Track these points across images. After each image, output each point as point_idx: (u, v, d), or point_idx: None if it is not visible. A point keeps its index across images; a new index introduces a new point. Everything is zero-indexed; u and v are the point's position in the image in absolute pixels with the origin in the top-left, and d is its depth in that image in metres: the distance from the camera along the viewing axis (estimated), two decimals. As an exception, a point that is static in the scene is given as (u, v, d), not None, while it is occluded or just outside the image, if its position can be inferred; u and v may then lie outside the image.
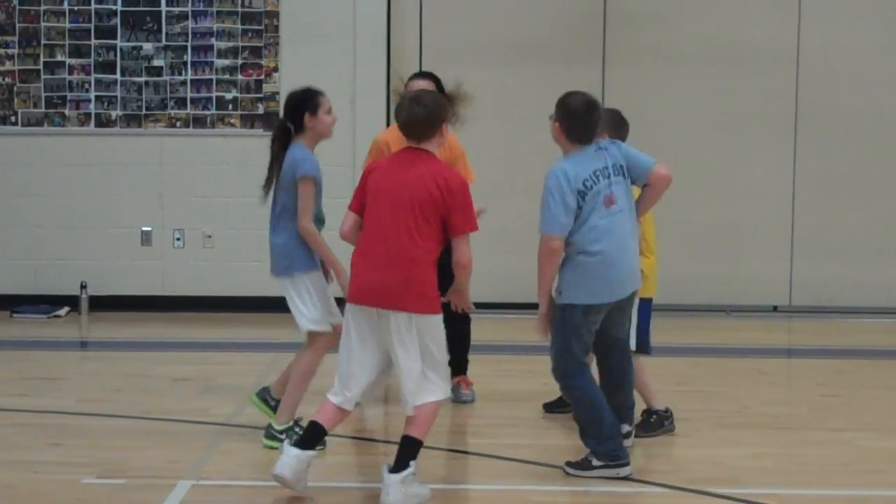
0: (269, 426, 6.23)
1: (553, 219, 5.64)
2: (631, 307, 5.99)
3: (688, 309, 10.52)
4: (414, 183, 5.37)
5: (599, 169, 5.70)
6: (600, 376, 6.05)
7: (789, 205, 10.63)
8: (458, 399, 7.20)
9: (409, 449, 5.39)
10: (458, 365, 7.25)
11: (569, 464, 5.79)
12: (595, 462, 5.72)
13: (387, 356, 5.45)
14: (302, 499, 5.46)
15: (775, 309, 10.72)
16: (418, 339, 5.37)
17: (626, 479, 5.69)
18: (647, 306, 6.48)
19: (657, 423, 6.51)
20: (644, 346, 6.46)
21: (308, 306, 6.14)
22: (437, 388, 5.44)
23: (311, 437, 5.51)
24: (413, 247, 5.34)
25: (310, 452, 5.46)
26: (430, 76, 7.18)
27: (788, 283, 10.69)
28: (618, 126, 6.40)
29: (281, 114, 6.43)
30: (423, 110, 5.44)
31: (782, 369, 8.89)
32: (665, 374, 7.98)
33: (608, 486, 5.67)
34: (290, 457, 5.41)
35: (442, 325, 5.48)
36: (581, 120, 5.74)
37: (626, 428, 6.00)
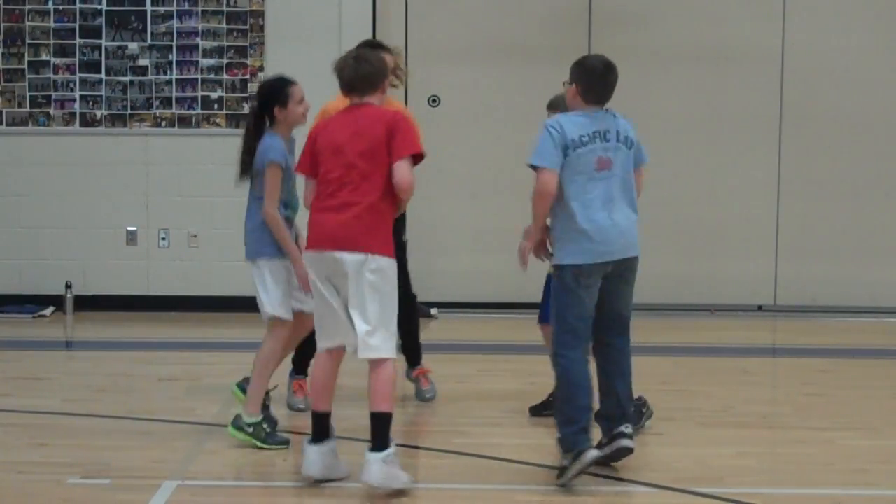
0: (238, 416, 6.24)
1: (545, 151, 5.60)
2: (634, 278, 5.85)
3: (672, 308, 10.54)
4: (363, 133, 5.52)
5: (600, 131, 5.70)
6: (598, 362, 5.92)
7: (774, 204, 10.66)
8: (420, 397, 7.19)
9: (381, 425, 5.46)
10: (413, 354, 7.22)
11: (557, 475, 5.67)
12: (564, 462, 5.62)
13: (346, 302, 5.53)
14: (286, 499, 5.46)
15: (760, 308, 10.75)
16: (371, 280, 5.44)
17: (602, 472, 5.62)
18: None
19: (636, 414, 6.48)
20: None
21: (269, 292, 6.18)
22: (386, 343, 5.48)
23: (319, 426, 5.60)
24: (369, 194, 5.47)
25: (329, 442, 5.58)
26: (377, 45, 7.16)
27: (773, 282, 10.72)
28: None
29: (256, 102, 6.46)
30: (367, 66, 5.63)
31: (766, 369, 8.91)
32: (649, 374, 7.99)
33: (593, 486, 5.67)
34: (312, 455, 5.54)
35: (395, 273, 5.54)
36: (599, 79, 5.78)
37: (630, 427, 5.86)
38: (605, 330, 5.85)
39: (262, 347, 6.27)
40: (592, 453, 5.57)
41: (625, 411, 5.86)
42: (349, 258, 5.46)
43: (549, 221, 5.78)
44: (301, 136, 6.18)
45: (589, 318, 5.73)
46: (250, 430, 6.18)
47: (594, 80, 5.78)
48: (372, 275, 5.46)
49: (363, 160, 5.49)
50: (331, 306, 5.58)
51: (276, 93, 6.26)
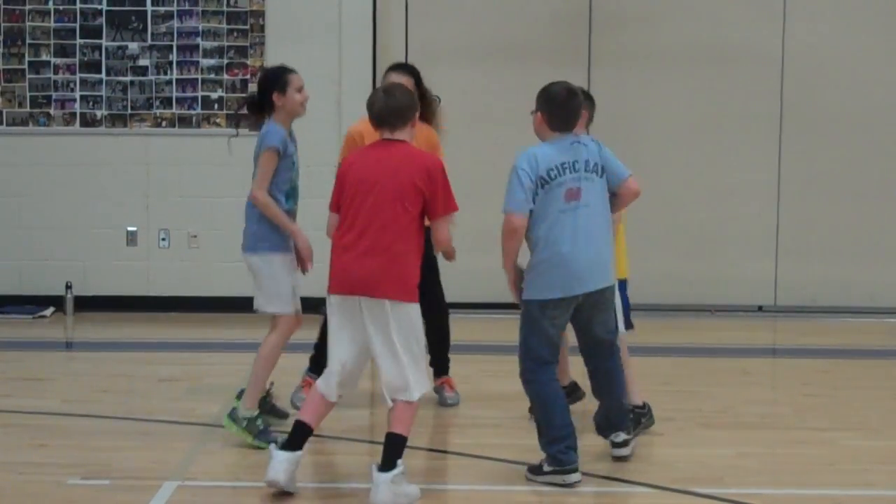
0: (235, 409, 6.24)
1: (513, 197, 5.69)
2: (610, 304, 5.89)
3: (673, 309, 10.54)
4: (394, 174, 5.43)
5: (569, 162, 5.70)
6: (591, 380, 6.05)
7: (774, 205, 10.66)
8: (442, 402, 7.21)
9: (394, 446, 5.40)
10: (440, 365, 7.26)
11: (528, 468, 5.76)
12: (545, 468, 5.67)
13: (366, 347, 5.49)
14: (287, 499, 5.46)
15: (760, 309, 10.75)
16: (396, 327, 5.39)
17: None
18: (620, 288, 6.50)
19: (634, 421, 6.47)
20: (626, 322, 6.52)
21: (269, 286, 6.18)
22: (416, 382, 5.44)
23: (299, 437, 5.53)
24: (396, 239, 5.40)
25: (298, 453, 5.49)
26: (408, 70, 7.16)
27: (773, 283, 10.72)
28: (588, 101, 6.48)
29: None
30: (396, 101, 5.55)
31: (767, 369, 8.92)
32: (650, 374, 8.00)
33: (593, 486, 5.68)
34: (280, 461, 5.44)
35: (420, 317, 5.50)
36: (562, 106, 5.79)
37: (621, 436, 5.95)
38: (590, 356, 5.95)
39: (265, 342, 6.27)
40: (575, 478, 5.64)
41: (612, 424, 5.97)
42: (375, 304, 5.41)
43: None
44: (310, 151, 6.17)
45: (556, 345, 5.82)
46: (244, 423, 6.18)
47: (557, 107, 5.80)
48: (398, 322, 5.40)
49: (394, 203, 5.41)
50: (353, 348, 5.51)
51: (276, 79, 6.28)
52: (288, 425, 6.48)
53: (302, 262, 6.29)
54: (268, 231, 6.22)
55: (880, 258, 10.67)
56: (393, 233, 5.40)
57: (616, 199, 5.88)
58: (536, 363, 5.75)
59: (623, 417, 6.04)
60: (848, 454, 6.29)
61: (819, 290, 10.67)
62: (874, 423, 6.97)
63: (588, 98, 6.56)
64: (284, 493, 5.45)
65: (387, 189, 5.41)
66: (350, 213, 5.49)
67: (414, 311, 5.47)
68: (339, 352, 5.52)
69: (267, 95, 6.26)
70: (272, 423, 6.33)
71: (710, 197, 10.65)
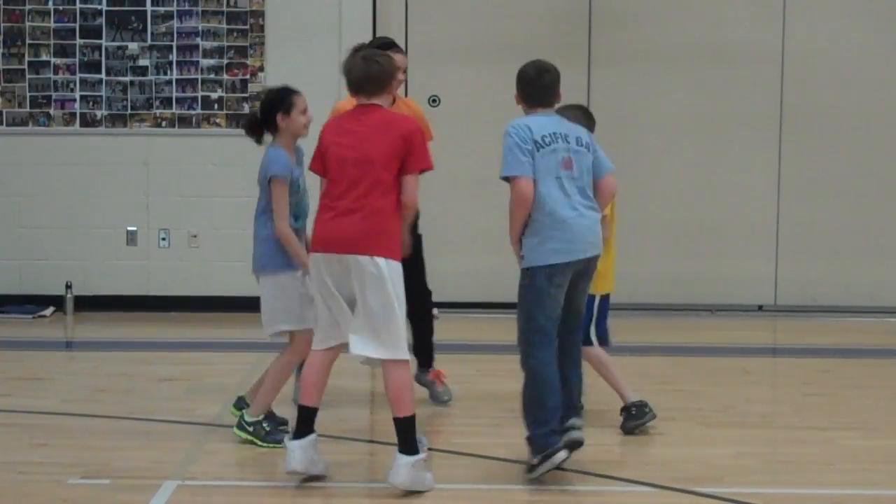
0: (241, 416, 6.30)
1: (516, 161, 5.66)
2: (592, 275, 5.90)
3: (672, 308, 10.54)
4: (373, 135, 5.55)
5: (560, 133, 5.73)
6: (559, 352, 5.92)
7: (774, 204, 10.66)
8: (435, 398, 7.19)
9: (406, 429, 5.51)
10: (425, 354, 7.23)
11: (526, 470, 5.71)
12: (534, 461, 5.63)
13: (348, 304, 5.57)
14: (283, 499, 5.47)
15: (760, 308, 10.74)
16: (394, 284, 5.48)
17: (603, 472, 5.63)
18: (605, 303, 6.56)
19: (638, 414, 6.51)
20: (603, 339, 6.56)
21: (277, 303, 6.18)
22: (396, 345, 5.51)
23: (304, 421, 5.63)
24: (377, 198, 5.51)
25: (310, 437, 5.59)
26: (402, 51, 7.19)
27: (773, 282, 10.71)
28: (587, 119, 6.49)
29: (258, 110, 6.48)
30: (376, 66, 5.64)
31: (767, 368, 8.92)
32: (650, 374, 8.01)
33: (593, 485, 5.68)
34: (294, 450, 5.56)
35: (401, 275, 5.57)
36: (532, 83, 5.84)
37: (577, 422, 5.87)
38: (563, 325, 5.87)
39: (280, 357, 6.28)
40: (562, 455, 5.60)
41: (575, 403, 5.91)
42: (355, 261, 5.49)
43: None
44: (307, 146, 6.19)
45: (557, 318, 5.76)
46: (251, 428, 6.23)
47: (528, 85, 5.87)
48: (378, 277, 5.48)
49: (372, 165, 5.53)
50: (333, 307, 5.60)
51: (281, 100, 6.25)
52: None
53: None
54: (273, 250, 6.22)
55: (880, 258, 10.66)
56: (374, 193, 5.51)
57: (595, 193, 5.85)
58: (540, 336, 5.68)
59: (579, 396, 5.99)
60: (848, 454, 6.29)
61: (819, 289, 10.66)
62: (874, 422, 6.97)
63: (588, 116, 6.53)
64: (286, 492, 5.46)
65: (366, 152, 5.53)
66: (334, 178, 5.61)
67: (398, 269, 5.56)
68: (332, 318, 5.62)
69: (271, 116, 6.25)
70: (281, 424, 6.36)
71: (710, 197, 10.64)
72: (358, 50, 5.83)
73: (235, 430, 6.29)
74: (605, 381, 6.64)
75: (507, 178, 5.70)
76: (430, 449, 6.27)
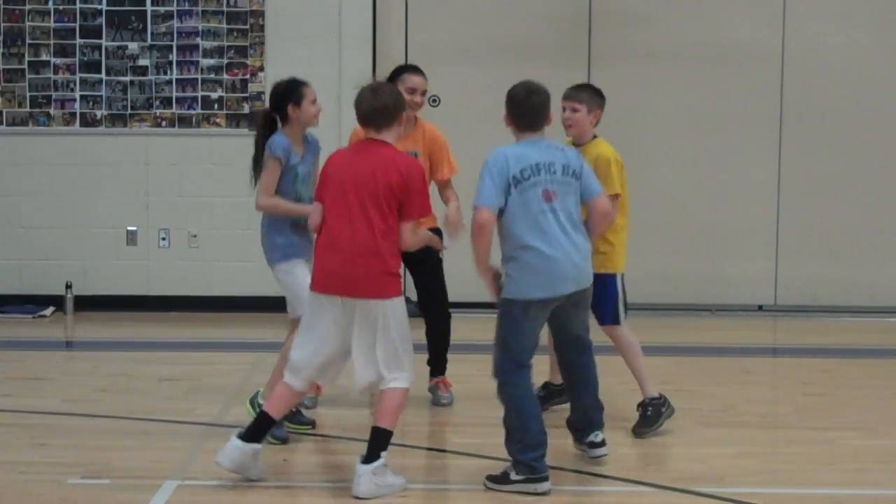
0: (256, 394, 6.39)
1: (485, 192, 5.60)
2: (588, 303, 5.86)
3: (673, 308, 10.54)
4: (375, 173, 5.50)
5: (544, 164, 5.64)
6: (563, 376, 6.03)
7: (774, 204, 10.66)
8: (436, 402, 7.20)
9: (378, 440, 5.50)
10: (437, 365, 7.26)
11: (489, 478, 5.64)
12: (514, 476, 5.56)
13: (347, 344, 5.54)
14: (283, 499, 5.46)
15: (760, 308, 10.75)
16: (382, 324, 5.46)
17: (603, 472, 5.64)
18: (613, 281, 6.48)
19: (654, 415, 6.50)
20: (617, 318, 6.50)
21: (289, 293, 6.29)
22: (401, 375, 5.51)
23: (259, 428, 5.62)
24: (376, 237, 5.47)
25: (255, 446, 5.57)
26: (421, 73, 7.21)
27: (773, 282, 10.71)
28: (598, 97, 6.58)
29: (266, 104, 6.55)
30: (383, 99, 5.59)
31: (767, 368, 8.91)
32: (650, 374, 8.00)
33: (592, 485, 5.68)
34: (231, 447, 5.55)
35: (405, 309, 5.58)
36: (521, 106, 5.74)
37: (599, 435, 5.91)
38: (566, 351, 5.91)
39: (286, 346, 6.29)
40: (546, 486, 5.55)
41: (591, 422, 5.91)
42: (357, 304, 5.49)
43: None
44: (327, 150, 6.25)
45: (534, 347, 5.73)
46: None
47: (517, 107, 5.76)
48: (381, 318, 5.48)
49: (373, 204, 5.48)
50: (328, 347, 5.57)
51: (291, 92, 6.32)
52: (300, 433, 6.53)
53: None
54: (275, 241, 6.32)
55: (880, 258, 10.67)
56: (373, 232, 5.47)
57: (588, 218, 5.82)
58: (514, 365, 5.66)
59: (600, 414, 5.97)
60: (848, 453, 6.29)
61: (819, 289, 10.67)
62: (874, 422, 6.97)
63: (592, 91, 6.56)
64: (286, 491, 5.47)
65: (368, 191, 5.48)
66: (333, 210, 5.56)
67: (398, 303, 5.55)
68: (317, 358, 5.59)
69: (282, 107, 6.31)
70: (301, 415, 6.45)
71: (709, 196, 10.64)
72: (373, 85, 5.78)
73: (247, 403, 6.40)
74: (628, 368, 6.61)
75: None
76: (429, 449, 6.28)
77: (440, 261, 7.07)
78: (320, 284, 5.57)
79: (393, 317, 5.51)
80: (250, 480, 5.59)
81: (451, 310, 7.29)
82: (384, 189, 5.48)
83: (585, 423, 5.92)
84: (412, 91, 6.99)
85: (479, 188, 5.62)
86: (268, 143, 6.30)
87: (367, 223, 5.48)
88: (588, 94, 6.52)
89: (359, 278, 5.47)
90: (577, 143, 6.48)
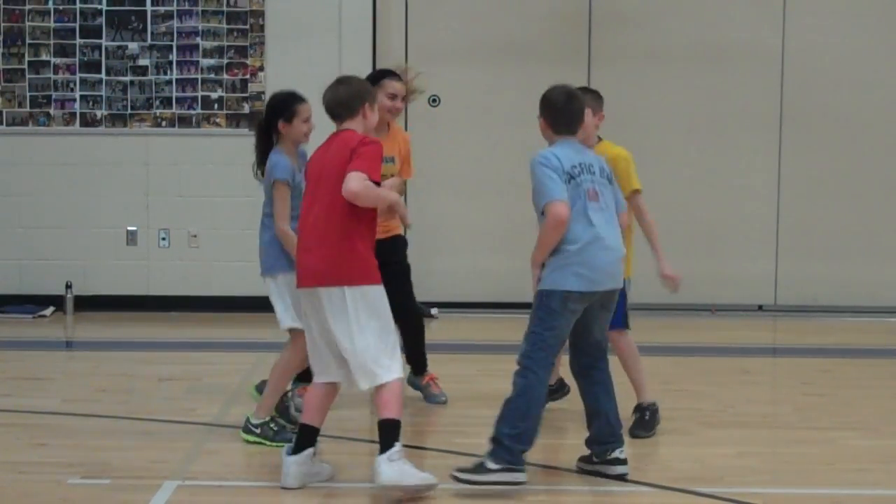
0: (247, 420, 6.32)
1: (552, 187, 5.53)
2: (613, 307, 5.87)
3: (673, 308, 10.53)
4: (333, 160, 5.49)
5: (585, 164, 5.69)
6: (580, 385, 5.89)
7: (774, 204, 10.66)
8: (431, 401, 7.20)
9: (388, 431, 5.45)
10: (418, 363, 7.25)
11: (460, 470, 5.55)
12: (490, 465, 5.49)
13: (333, 336, 5.51)
14: (283, 499, 5.46)
15: (760, 308, 10.75)
16: (359, 313, 5.42)
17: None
18: (626, 284, 6.38)
19: (651, 419, 6.50)
20: (626, 322, 6.52)
21: (287, 305, 6.22)
22: (391, 367, 5.47)
23: (304, 438, 5.60)
24: (341, 224, 5.43)
25: (307, 451, 5.57)
26: (401, 78, 7.16)
27: (773, 282, 10.72)
28: (598, 99, 6.57)
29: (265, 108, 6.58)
30: (343, 89, 5.61)
31: (767, 368, 8.92)
32: (650, 374, 7.99)
33: (592, 485, 5.68)
34: (288, 465, 5.55)
35: (383, 297, 5.51)
36: (562, 111, 5.76)
37: (623, 451, 5.77)
38: (586, 356, 5.84)
39: (281, 357, 6.31)
40: (523, 477, 5.51)
41: (615, 432, 5.79)
42: (329, 293, 5.44)
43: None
44: (309, 152, 6.24)
45: (563, 341, 5.73)
46: (258, 430, 6.25)
47: (558, 112, 5.77)
48: (356, 305, 5.43)
49: (334, 191, 5.42)
50: (321, 342, 5.57)
51: (284, 108, 6.33)
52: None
53: None
54: (277, 253, 6.29)
55: (880, 258, 10.67)
56: (339, 220, 5.43)
57: None
58: (545, 354, 5.61)
59: (621, 426, 5.88)
60: (848, 454, 6.28)
61: (819, 289, 10.67)
62: (874, 422, 6.97)
63: (594, 95, 6.57)
64: (286, 491, 5.48)
65: (329, 180, 5.47)
66: (304, 206, 5.62)
67: (375, 291, 5.48)
68: (327, 352, 5.58)
69: (273, 122, 6.33)
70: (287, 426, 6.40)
71: (709, 196, 10.65)
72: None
73: (242, 433, 6.29)
74: (626, 373, 6.59)
75: (543, 208, 5.57)
76: (429, 449, 6.28)
77: (407, 266, 7.11)
78: (300, 279, 5.59)
79: (367, 304, 5.43)
80: (330, 480, 5.64)
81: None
82: (340, 171, 5.41)
83: (609, 434, 5.77)
84: (393, 97, 6.95)
85: (543, 186, 5.55)
86: (269, 165, 6.28)
87: (332, 213, 5.43)
88: (591, 98, 6.51)
89: (328, 267, 5.43)
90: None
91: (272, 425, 6.25)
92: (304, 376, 6.99)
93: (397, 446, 5.41)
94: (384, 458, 5.38)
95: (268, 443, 6.21)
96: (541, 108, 5.82)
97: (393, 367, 5.50)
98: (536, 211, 5.65)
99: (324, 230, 5.46)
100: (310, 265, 5.51)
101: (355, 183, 5.34)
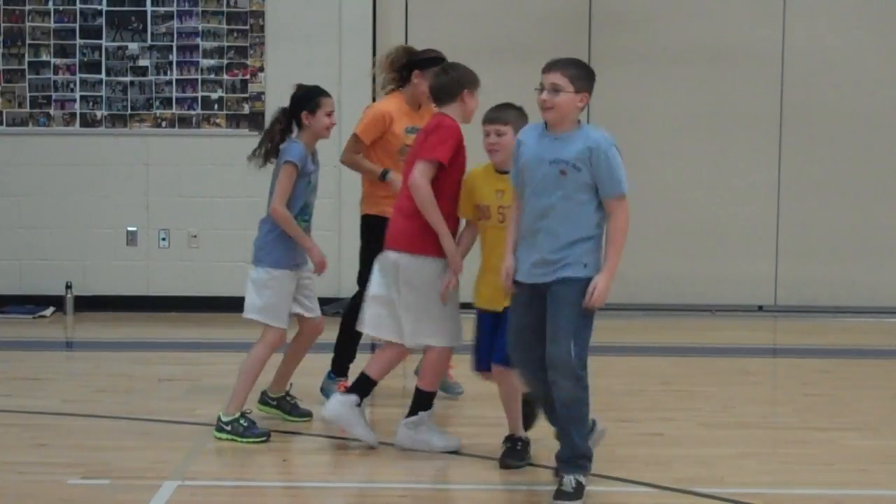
0: (218, 418, 6.29)
1: (624, 178, 5.30)
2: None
3: (673, 308, 10.54)
4: (417, 140, 6.07)
5: None
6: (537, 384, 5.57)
7: (774, 205, 10.66)
8: (450, 392, 7.22)
9: (419, 400, 6.01)
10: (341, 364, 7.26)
11: (560, 497, 5.34)
12: (584, 479, 5.35)
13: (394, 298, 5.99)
14: (283, 499, 5.46)
15: (760, 308, 10.75)
16: (408, 277, 5.88)
17: (602, 472, 5.57)
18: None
19: (523, 450, 5.97)
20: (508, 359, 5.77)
21: (262, 297, 6.27)
22: (437, 332, 5.93)
23: (363, 387, 6.03)
24: (406, 197, 5.93)
25: (352, 397, 5.95)
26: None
27: (773, 282, 10.72)
28: (523, 117, 6.23)
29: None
30: (442, 78, 6.10)
31: (767, 369, 8.91)
32: (650, 374, 8.01)
33: (592, 485, 5.67)
34: (332, 399, 6.00)
35: (434, 269, 5.88)
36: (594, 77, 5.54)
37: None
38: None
39: (251, 352, 6.33)
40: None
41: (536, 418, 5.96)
42: (393, 257, 5.92)
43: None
44: (324, 152, 6.44)
45: None
46: (228, 427, 6.21)
47: (594, 80, 5.53)
48: (407, 271, 5.88)
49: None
50: (387, 302, 5.95)
51: (309, 99, 6.36)
52: (288, 424, 6.52)
53: (317, 269, 6.41)
54: (274, 245, 6.29)
55: (880, 258, 10.67)
56: (406, 193, 5.93)
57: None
58: (585, 370, 5.32)
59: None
60: (848, 454, 6.28)
61: (819, 289, 10.67)
62: (874, 422, 6.96)
63: (523, 114, 6.25)
64: (286, 492, 5.46)
65: (412, 155, 6.00)
66: (404, 176, 6.05)
67: (434, 266, 5.88)
68: (387, 325, 6.02)
69: (297, 112, 6.33)
70: (293, 416, 6.50)
71: (709, 197, 10.65)
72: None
73: (215, 432, 6.26)
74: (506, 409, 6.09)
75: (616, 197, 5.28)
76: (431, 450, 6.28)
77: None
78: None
79: (417, 272, 5.86)
80: (366, 446, 5.97)
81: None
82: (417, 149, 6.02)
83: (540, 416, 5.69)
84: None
85: (621, 173, 5.26)
86: (283, 148, 6.29)
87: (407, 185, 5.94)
88: (515, 115, 6.21)
89: (393, 233, 5.96)
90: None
91: (242, 421, 6.21)
92: (341, 370, 7.04)
93: (420, 416, 5.98)
94: (403, 423, 5.98)
95: (239, 440, 6.17)
96: (586, 83, 5.41)
97: (438, 335, 5.97)
98: (581, 192, 5.26)
99: (402, 202, 5.95)
100: (392, 230, 5.99)
101: (417, 176, 5.87)
